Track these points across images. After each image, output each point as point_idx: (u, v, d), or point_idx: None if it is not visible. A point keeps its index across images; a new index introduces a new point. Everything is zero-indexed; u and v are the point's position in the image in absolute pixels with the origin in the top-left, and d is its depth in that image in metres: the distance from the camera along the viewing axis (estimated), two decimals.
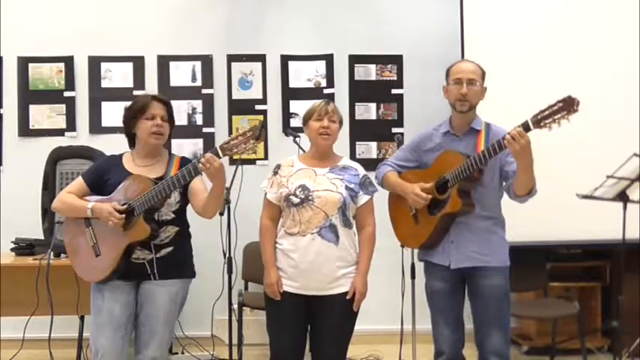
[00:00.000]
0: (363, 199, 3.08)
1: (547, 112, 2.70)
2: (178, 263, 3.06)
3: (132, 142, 3.13)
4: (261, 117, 4.91)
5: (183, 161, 3.08)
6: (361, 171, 3.15)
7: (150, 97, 3.08)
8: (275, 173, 3.14)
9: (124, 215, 2.90)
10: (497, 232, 3.12)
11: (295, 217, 3.01)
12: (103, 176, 3.06)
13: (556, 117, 2.68)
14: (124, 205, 2.92)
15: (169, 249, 3.01)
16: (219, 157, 2.79)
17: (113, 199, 2.96)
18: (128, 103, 3.13)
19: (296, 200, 3.01)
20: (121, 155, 3.13)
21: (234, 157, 2.95)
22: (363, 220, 3.10)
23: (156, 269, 2.99)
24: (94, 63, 4.91)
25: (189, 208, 3.11)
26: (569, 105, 2.65)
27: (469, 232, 3.05)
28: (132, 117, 3.05)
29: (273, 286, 3.03)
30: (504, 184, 3.08)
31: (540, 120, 2.71)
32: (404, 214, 3.23)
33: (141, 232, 2.90)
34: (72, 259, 3.14)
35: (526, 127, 2.74)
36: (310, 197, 3.00)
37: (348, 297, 3.02)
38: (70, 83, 4.91)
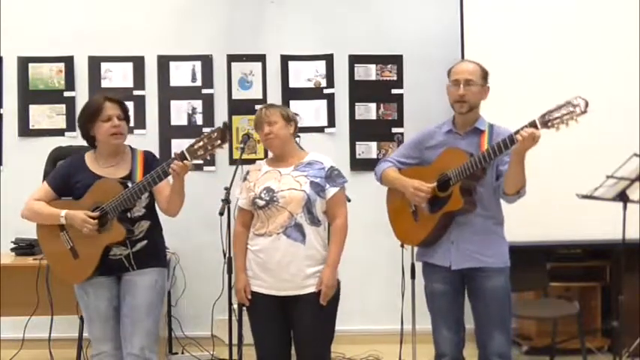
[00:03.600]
0: (330, 192, 3.08)
1: (555, 113, 2.69)
2: (153, 254, 3.13)
3: (91, 144, 3.15)
4: None
5: (147, 155, 3.15)
6: (327, 163, 3.14)
7: (102, 98, 3.09)
8: (245, 179, 3.18)
9: (97, 221, 2.95)
10: (497, 231, 3.10)
11: (263, 219, 3.05)
12: (70, 180, 3.10)
13: (564, 117, 2.67)
14: (96, 209, 2.97)
15: (144, 242, 3.08)
16: (188, 160, 2.87)
17: (83, 204, 3.00)
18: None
19: (261, 203, 3.04)
20: (82, 156, 3.16)
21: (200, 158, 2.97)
22: (332, 212, 3.11)
23: (133, 262, 3.05)
24: (94, 63, 4.91)
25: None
26: (577, 106, 2.65)
27: (470, 233, 3.03)
28: (88, 121, 3.07)
29: (240, 292, 3.09)
30: (495, 182, 3.05)
31: (548, 120, 2.70)
32: (403, 211, 3.21)
33: (117, 234, 2.96)
34: (51, 263, 3.23)
35: (533, 127, 2.73)
36: (275, 198, 3.02)
37: (315, 289, 3.02)
38: (70, 83, 4.90)
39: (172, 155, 2.93)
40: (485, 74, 3.09)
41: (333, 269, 3.05)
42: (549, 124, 2.70)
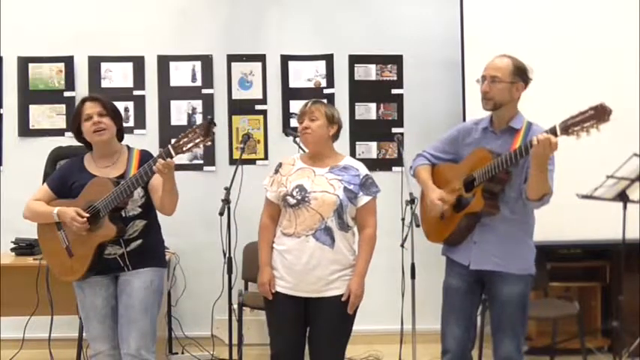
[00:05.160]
0: (362, 200, 3.04)
1: (577, 119, 2.59)
2: (149, 253, 3.12)
3: (88, 146, 3.20)
4: (260, 117, 4.93)
5: (143, 154, 3.16)
6: (362, 171, 3.10)
7: (82, 100, 3.15)
8: (276, 171, 3.15)
9: (86, 220, 2.96)
10: (523, 238, 3.03)
11: (291, 217, 3.01)
12: (68, 181, 3.13)
13: (586, 125, 2.57)
14: (88, 207, 2.99)
15: (139, 242, 3.08)
16: (172, 157, 2.85)
17: (78, 203, 3.03)
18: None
19: (292, 201, 3.00)
20: (82, 158, 3.20)
21: (185, 152, 2.91)
22: (363, 221, 3.07)
23: (128, 261, 3.06)
24: (94, 63, 4.91)
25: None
26: (600, 113, 2.56)
27: (493, 236, 2.98)
28: (73, 124, 3.14)
29: (265, 286, 3.05)
30: (523, 185, 2.97)
31: (569, 127, 2.61)
32: None
33: (108, 232, 2.98)
34: (48, 261, 3.25)
35: (553, 134, 2.65)
36: (307, 198, 2.98)
37: (343, 299, 3.00)
38: (70, 83, 4.90)
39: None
40: (518, 71, 2.98)
41: (361, 278, 3.04)
42: (570, 130, 2.61)
